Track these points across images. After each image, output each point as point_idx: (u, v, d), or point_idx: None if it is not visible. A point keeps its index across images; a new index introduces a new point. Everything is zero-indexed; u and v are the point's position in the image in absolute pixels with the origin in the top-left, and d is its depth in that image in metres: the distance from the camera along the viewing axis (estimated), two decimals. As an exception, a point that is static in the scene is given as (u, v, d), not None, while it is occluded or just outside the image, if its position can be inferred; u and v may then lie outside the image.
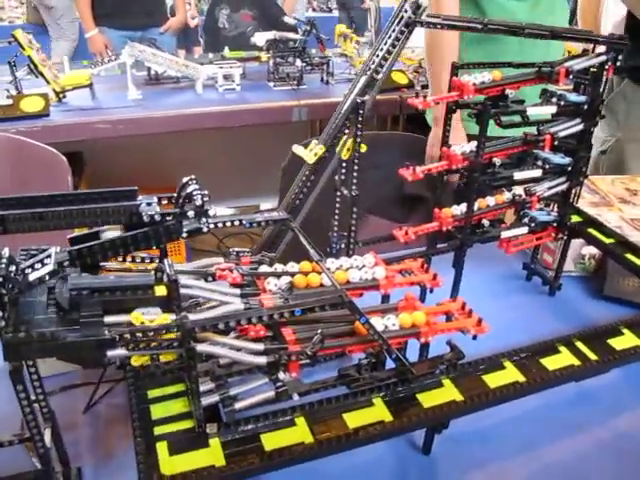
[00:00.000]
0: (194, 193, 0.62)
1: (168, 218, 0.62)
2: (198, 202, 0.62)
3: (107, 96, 2.38)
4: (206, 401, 0.69)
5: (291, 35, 2.54)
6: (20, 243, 0.67)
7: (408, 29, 0.87)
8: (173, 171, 3.05)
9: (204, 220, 0.64)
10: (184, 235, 0.63)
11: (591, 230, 1.19)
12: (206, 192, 0.64)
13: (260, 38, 2.48)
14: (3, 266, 0.59)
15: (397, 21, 0.88)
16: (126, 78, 2.37)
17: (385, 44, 0.88)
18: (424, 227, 1.05)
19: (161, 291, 0.65)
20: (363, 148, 0.90)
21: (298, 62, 2.54)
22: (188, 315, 0.63)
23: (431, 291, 0.87)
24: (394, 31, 0.88)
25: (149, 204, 0.63)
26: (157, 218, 0.61)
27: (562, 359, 0.86)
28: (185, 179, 0.64)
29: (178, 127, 2.27)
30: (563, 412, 0.92)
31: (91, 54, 3.23)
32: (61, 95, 2.28)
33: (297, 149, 0.91)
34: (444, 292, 1.05)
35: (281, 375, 0.67)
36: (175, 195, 0.64)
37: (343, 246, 1.02)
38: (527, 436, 0.89)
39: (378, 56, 0.88)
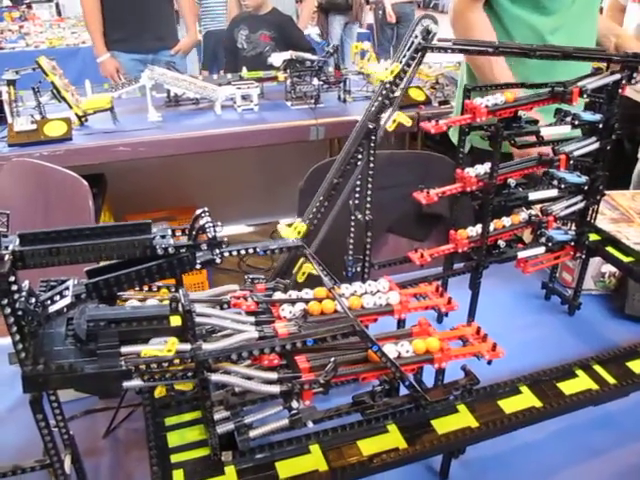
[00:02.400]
0: (207, 225, 0.63)
1: (182, 250, 0.63)
2: (210, 234, 0.63)
3: (128, 119, 2.42)
4: (221, 429, 0.69)
5: (307, 55, 2.57)
6: (41, 273, 0.69)
7: (419, 54, 0.88)
8: (194, 190, 3.12)
9: (217, 251, 0.65)
10: (198, 266, 0.65)
11: (609, 248, 1.18)
12: (219, 224, 0.65)
13: (277, 58, 2.51)
14: (23, 299, 0.61)
15: (408, 46, 0.89)
16: (146, 100, 2.41)
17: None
18: (439, 249, 1.05)
19: (176, 321, 0.66)
20: (409, 122, 0.90)
21: (315, 81, 2.57)
22: (202, 345, 0.64)
23: (446, 315, 0.87)
24: (405, 57, 0.89)
25: (163, 236, 0.64)
26: (171, 251, 0.63)
27: (580, 383, 0.85)
28: (198, 211, 0.65)
29: (197, 148, 2.31)
30: (584, 435, 0.91)
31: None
32: (83, 119, 2.33)
33: (282, 229, 0.93)
34: (462, 312, 1.04)
35: (294, 404, 0.67)
36: (189, 227, 0.65)
37: (359, 269, 1.03)
38: (547, 460, 0.87)
39: (390, 82, 0.89)
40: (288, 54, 2.52)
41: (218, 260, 0.65)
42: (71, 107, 2.31)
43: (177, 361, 0.63)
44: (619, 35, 1.97)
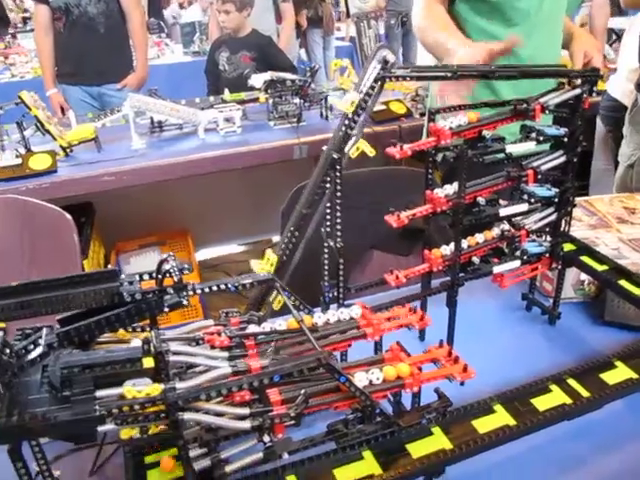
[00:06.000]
0: (172, 270, 0.65)
1: (149, 296, 0.65)
2: (176, 279, 0.65)
3: (112, 147, 2.44)
4: (198, 466, 0.71)
5: (287, 75, 2.59)
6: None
7: (378, 84, 0.90)
8: (184, 213, 3.13)
9: (184, 293, 0.67)
10: (165, 310, 0.66)
11: (584, 258, 1.20)
12: (185, 266, 0.67)
13: (257, 80, 2.54)
14: (-3, 352, 0.62)
15: (367, 77, 0.91)
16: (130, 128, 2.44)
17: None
18: (414, 270, 1.06)
19: (149, 363, 0.67)
20: (372, 152, 0.93)
21: (296, 99, 2.60)
22: (175, 386, 0.65)
23: (422, 338, 0.88)
24: (365, 86, 0.91)
25: (131, 282, 0.66)
26: (138, 297, 0.64)
27: (553, 398, 0.87)
28: (164, 255, 0.67)
29: (181, 174, 2.33)
30: (563, 446, 0.91)
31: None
32: (68, 150, 2.35)
33: (255, 265, 0.95)
34: (444, 329, 1.06)
35: (266, 438, 0.69)
36: (155, 271, 0.67)
37: (336, 294, 1.05)
38: (528, 473, 0.88)
39: (353, 112, 0.91)
40: (268, 75, 2.55)
41: (185, 302, 0.67)
42: (55, 139, 2.33)
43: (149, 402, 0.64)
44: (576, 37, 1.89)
